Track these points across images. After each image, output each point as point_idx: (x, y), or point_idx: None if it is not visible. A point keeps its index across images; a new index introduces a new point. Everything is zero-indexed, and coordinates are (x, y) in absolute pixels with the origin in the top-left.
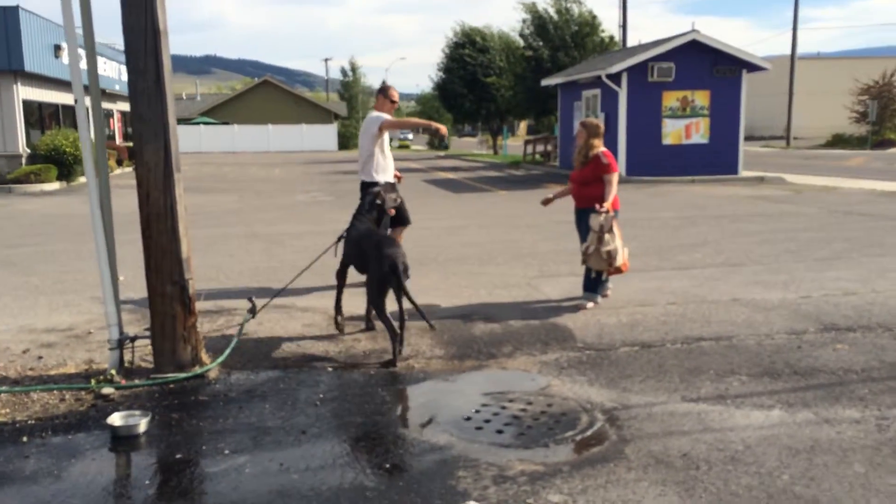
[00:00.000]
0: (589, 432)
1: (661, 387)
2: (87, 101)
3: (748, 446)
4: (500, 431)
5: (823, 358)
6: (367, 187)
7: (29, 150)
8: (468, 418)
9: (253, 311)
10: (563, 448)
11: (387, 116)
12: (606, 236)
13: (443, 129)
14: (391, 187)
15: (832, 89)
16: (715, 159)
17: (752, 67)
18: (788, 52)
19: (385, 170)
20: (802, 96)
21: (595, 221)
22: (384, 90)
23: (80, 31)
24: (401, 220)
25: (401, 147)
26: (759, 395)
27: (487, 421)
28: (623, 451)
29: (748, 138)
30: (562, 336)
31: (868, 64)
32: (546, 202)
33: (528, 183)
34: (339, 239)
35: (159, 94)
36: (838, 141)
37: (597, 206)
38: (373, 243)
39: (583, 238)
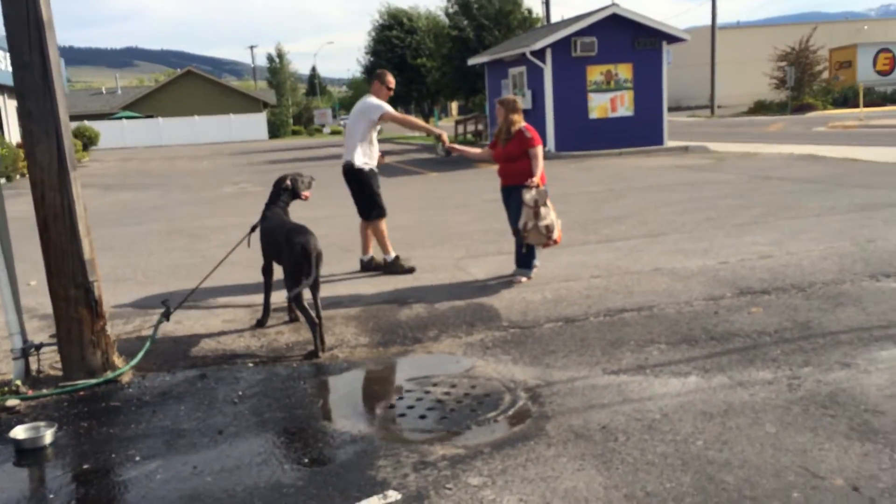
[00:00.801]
0: (511, 411)
1: (584, 361)
2: None
3: (665, 414)
4: (422, 417)
5: (739, 322)
6: (354, 171)
7: None
8: (391, 406)
9: (167, 314)
10: (485, 429)
11: (387, 107)
12: (542, 210)
13: (444, 135)
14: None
15: (753, 57)
16: (641, 131)
17: (672, 39)
18: (709, 22)
19: (373, 157)
20: (725, 66)
21: (529, 196)
22: (380, 76)
23: None
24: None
25: (333, 133)
26: (677, 362)
27: (411, 407)
28: (544, 428)
29: (674, 109)
30: (487, 316)
31: (786, 31)
32: (451, 149)
33: (459, 164)
34: (251, 230)
35: (48, 90)
36: (760, 108)
37: (528, 182)
38: (283, 232)
39: (513, 216)
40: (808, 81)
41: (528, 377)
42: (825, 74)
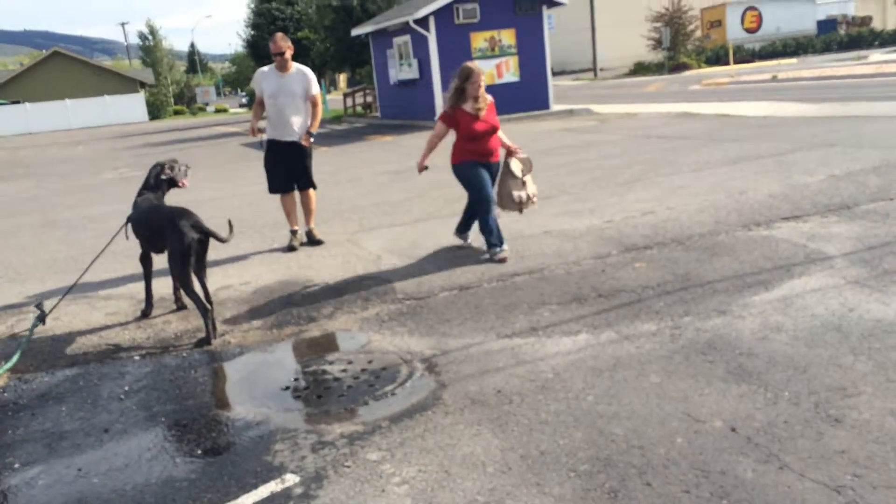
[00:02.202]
0: (408, 384)
1: (478, 327)
2: None
3: (557, 374)
4: (319, 396)
5: (625, 278)
6: (304, 147)
7: None
8: (286, 388)
9: (42, 317)
10: (383, 403)
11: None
12: (529, 177)
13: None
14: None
15: (630, 19)
16: (527, 96)
17: (552, 3)
18: None
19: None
20: (605, 30)
21: (527, 165)
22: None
23: None
24: (306, 182)
25: (218, 111)
26: (568, 321)
27: (307, 388)
28: (441, 397)
29: (560, 73)
30: (382, 290)
31: None
32: (421, 169)
33: (350, 137)
34: (127, 221)
35: None
36: (640, 69)
37: (517, 151)
38: (164, 218)
39: (481, 191)
40: (683, 41)
41: (424, 348)
42: (698, 34)
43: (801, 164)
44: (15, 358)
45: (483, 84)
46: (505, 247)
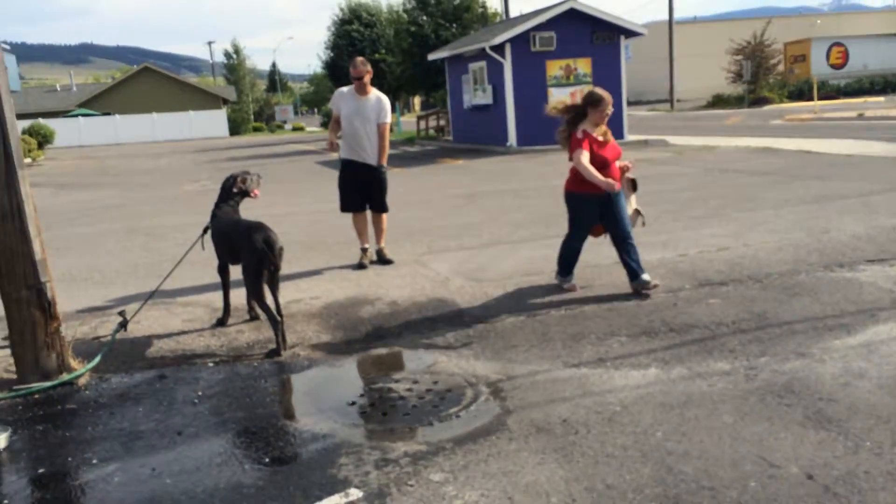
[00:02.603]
0: (473, 407)
1: (545, 355)
2: None
3: (625, 406)
4: (385, 414)
5: (698, 314)
6: (382, 170)
7: None
8: (352, 403)
9: (124, 324)
10: (447, 425)
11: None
12: (634, 196)
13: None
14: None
15: (710, 52)
16: None
17: (630, 33)
18: (667, 16)
19: None
20: (683, 60)
21: (633, 184)
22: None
23: None
24: (379, 205)
25: (295, 129)
26: (637, 354)
27: (372, 404)
28: (506, 423)
29: (635, 103)
30: (449, 312)
31: (742, 25)
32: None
33: (422, 159)
34: (204, 231)
35: None
36: (718, 101)
37: (628, 170)
38: (241, 231)
39: (583, 228)
40: (764, 75)
41: (489, 372)
42: (780, 68)
43: (887, 206)
44: (97, 359)
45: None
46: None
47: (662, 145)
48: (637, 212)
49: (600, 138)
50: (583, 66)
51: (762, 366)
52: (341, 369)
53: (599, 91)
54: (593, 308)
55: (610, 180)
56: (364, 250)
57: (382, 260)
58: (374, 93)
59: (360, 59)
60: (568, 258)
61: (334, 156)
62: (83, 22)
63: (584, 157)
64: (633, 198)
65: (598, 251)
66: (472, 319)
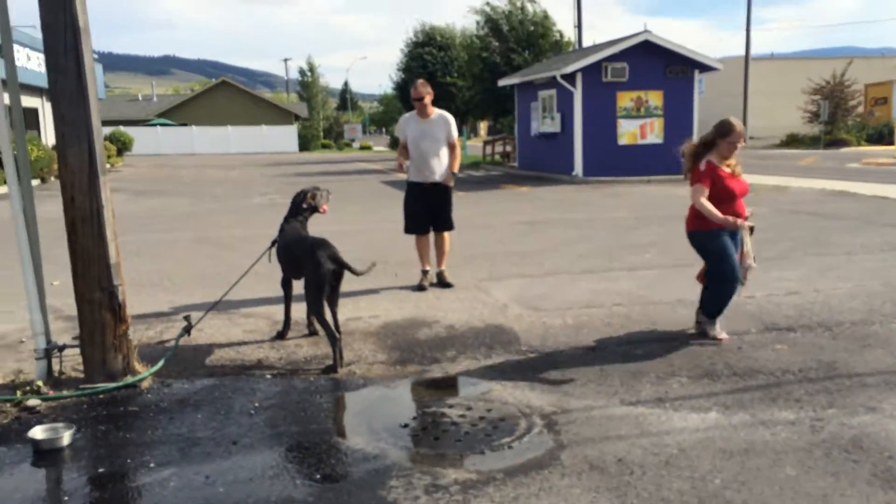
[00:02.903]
0: (526, 438)
1: (602, 390)
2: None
3: (683, 450)
4: (436, 438)
5: (763, 359)
6: (447, 188)
7: None
8: (405, 425)
9: (188, 329)
10: (499, 455)
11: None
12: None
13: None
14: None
15: (786, 89)
16: (670, 159)
17: (705, 68)
18: (743, 52)
19: None
20: (758, 97)
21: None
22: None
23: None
24: (444, 222)
25: (362, 148)
26: (698, 397)
27: (424, 428)
28: (559, 457)
29: None
30: (506, 339)
31: (820, 64)
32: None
33: (486, 184)
34: (271, 245)
35: (81, 95)
36: (793, 140)
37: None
38: (306, 247)
39: (730, 264)
40: (843, 116)
41: (544, 403)
42: (860, 110)
43: None
44: (161, 363)
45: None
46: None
47: None
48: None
49: (727, 170)
50: (654, 98)
51: (829, 418)
52: (395, 390)
53: (732, 120)
54: (654, 346)
55: (730, 218)
56: (425, 272)
57: (442, 283)
58: (437, 112)
59: (420, 80)
60: (723, 299)
61: (401, 176)
62: (167, 35)
63: (702, 193)
64: (748, 241)
65: (661, 288)
66: (528, 349)
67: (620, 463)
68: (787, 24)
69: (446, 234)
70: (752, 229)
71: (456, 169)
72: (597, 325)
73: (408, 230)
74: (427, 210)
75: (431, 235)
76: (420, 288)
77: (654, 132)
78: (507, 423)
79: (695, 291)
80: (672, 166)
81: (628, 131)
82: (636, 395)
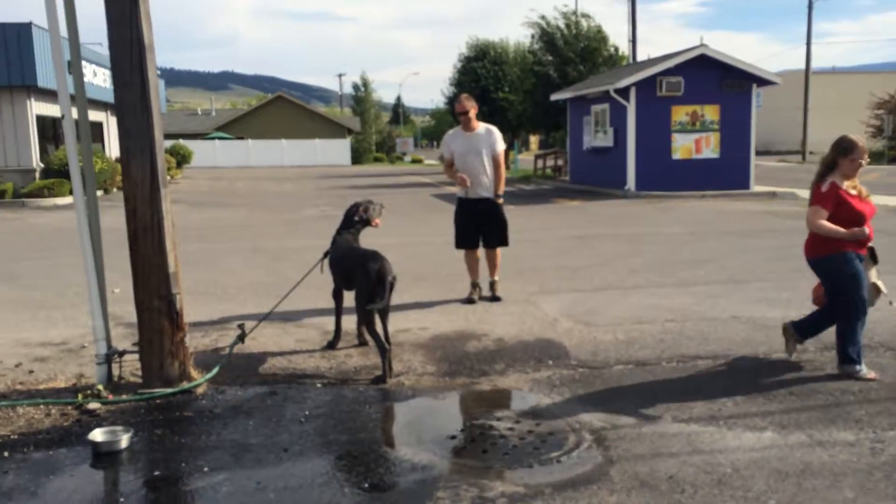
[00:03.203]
0: (575, 453)
1: (653, 407)
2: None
3: (737, 469)
4: (484, 451)
5: (821, 378)
6: (499, 205)
7: (42, 165)
8: (453, 437)
9: (242, 337)
10: (547, 469)
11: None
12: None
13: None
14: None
15: (848, 104)
16: (726, 174)
17: (762, 82)
18: (803, 66)
19: None
20: (818, 111)
21: (875, 258)
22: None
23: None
24: (497, 240)
25: (414, 161)
26: (753, 415)
27: (472, 440)
28: (608, 473)
29: (764, 153)
30: (556, 353)
31: (884, 78)
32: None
33: (537, 198)
34: (323, 257)
35: (145, 109)
36: None
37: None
38: (357, 259)
39: (859, 291)
40: None
41: (594, 419)
42: None
43: None
44: (215, 370)
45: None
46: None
47: (791, 198)
48: (876, 287)
49: (853, 191)
50: (710, 112)
51: (891, 440)
52: (444, 402)
53: (851, 136)
54: (707, 363)
55: (855, 230)
56: (474, 285)
57: (493, 296)
58: (482, 126)
59: (464, 94)
60: (856, 339)
61: (451, 190)
62: (226, 51)
63: (819, 215)
64: (873, 270)
65: (716, 305)
66: (578, 363)
67: (671, 480)
68: (848, 37)
69: (497, 250)
70: (873, 252)
71: (501, 190)
72: (648, 341)
73: (459, 245)
74: (476, 225)
75: (481, 250)
76: (469, 301)
77: (709, 147)
78: (555, 437)
79: (751, 308)
80: (729, 182)
81: (683, 146)
82: (688, 411)
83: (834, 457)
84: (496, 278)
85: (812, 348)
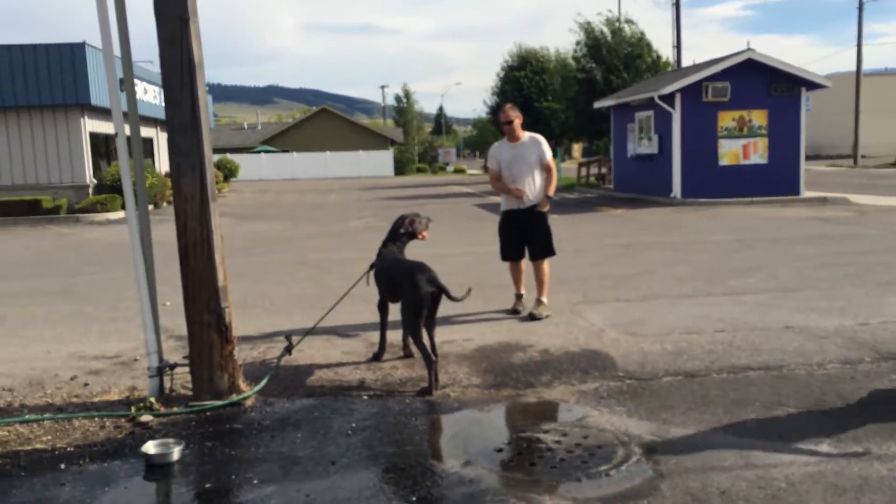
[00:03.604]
0: (624, 467)
1: (704, 419)
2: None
3: (792, 484)
4: (532, 464)
5: (879, 390)
6: (543, 213)
7: (95, 181)
8: (499, 450)
9: (289, 349)
10: (596, 483)
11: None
12: None
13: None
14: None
15: None
16: (774, 180)
17: (812, 85)
18: (854, 68)
19: None
20: (870, 114)
21: None
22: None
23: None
24: (543, 249)
25: (456, 171)
26: (808, 428)
27: (519, 453)
28: (659, 488)
29: (814, 158)
30: (602, 365)
31: None
32: None
33: (580, 206)
34: (369, 269)
35: (195, 126)
36: None
37: None
38: (403, 271)
39: None
40: None
41: (643, 432)
42: None
43: None
44: (264, 382)
45: None
46: None
47: (843, 203)
48: None
49: None
50: (758, 117)
51: None
52: (490, 414)
53: None
54: (759, 374)
55: None
56: (519, 297)
57: (532, 314)
58: (527, 135)
59: (507, 104)
60: None
61: (494, 200)
62: (272, 66)
63: None
64: None
65: (767, 314)
66: (626, 375)
67: (724, 496)
68: None
69: (545, 263)
70: None
71: (552, 192)
72: (697, 352)
73: (504, 257)
74: (521, 236)
75: (526, 261)
76: (514, 312)
77: (757, 152)
78: (603, 450)
79: (803, 317)
80: (778, 188)
81: (730, 151)
82: (740, 424)
83: (893, 471)
84: (543, 299)
85: (868, 358)
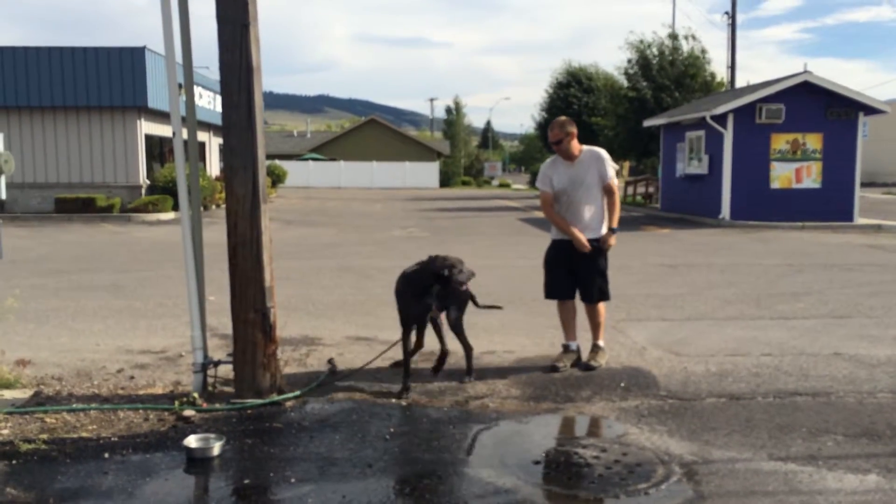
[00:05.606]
0: (664, 486)
1: (748, 442)
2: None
3: None
4: (569, 478)
5: None
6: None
7: (148, 182)
8: (537, 462)
9: (333, 372)
10: (635, 500)
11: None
12: None
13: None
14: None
15: None
16: (827, 205)
17: (870, 110)
18: None
19: None
20: None
21: None
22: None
23: (198, 71)
24: (599, 293)
25: (501, 186)
26: (855, 457)
27: (557, 466)
28: None
29: (870, 184)
30: (644, 382)
31: None
32: None
33: (626, 225)
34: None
35: (250, 128)
36: None
37: None
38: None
39: None
40: None
41: (684, 452)
42: None
43: None
44: (307, 388)
45: None
46: None
47: None
48: None
49: None
50: (812, 141)
51: None
52: (528, 426)
53: None
54: (806, 400)
55: None
56: (566, 348)
57: (587, 364)
58: (585, 150)
59: (557, 120)
60: None
61: (539, 214)
62: (322, 76)
63: None
64: None
65: (816, 340)
66: (668, 394)
67: None
68: None
69: (601, 304)
70: None
71: (615, 222)
72: (743, 374)
73: (549, 294)
74: (574, 271)
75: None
76: (552, 369)
77: (811, 176)
78: (643, 468)
79: (853, 345)
80: (831, 213)
81: (782, 174)
82: (785, 449)
83: None
84: (600, 343)
85: None
